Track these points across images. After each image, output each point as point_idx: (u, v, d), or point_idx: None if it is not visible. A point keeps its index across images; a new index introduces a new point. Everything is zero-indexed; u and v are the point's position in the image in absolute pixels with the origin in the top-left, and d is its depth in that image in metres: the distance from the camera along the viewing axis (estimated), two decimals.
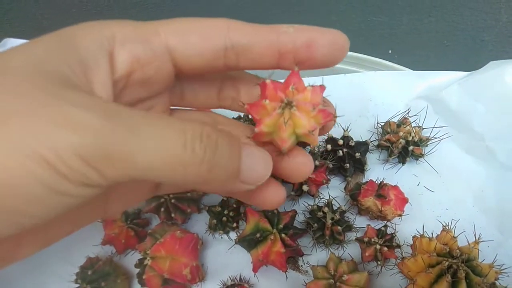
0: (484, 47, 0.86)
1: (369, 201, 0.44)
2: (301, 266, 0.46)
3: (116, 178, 0.20)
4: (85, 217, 0.28)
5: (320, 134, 0.29)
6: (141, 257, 0.44)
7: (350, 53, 0.55)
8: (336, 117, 0.27)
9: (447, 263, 0.38)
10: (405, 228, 0.46)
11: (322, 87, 0.26)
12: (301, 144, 0.28)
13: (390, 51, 0.85)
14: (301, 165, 0.29)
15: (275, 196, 0.30)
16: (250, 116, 0.33)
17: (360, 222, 0.47)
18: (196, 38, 0.25)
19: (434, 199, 0.48)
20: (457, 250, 0.39)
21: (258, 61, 0.26)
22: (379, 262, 0.43)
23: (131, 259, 0.47)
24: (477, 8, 0.81)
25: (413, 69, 0.54)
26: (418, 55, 0.86)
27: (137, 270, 0.45)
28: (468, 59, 0.88)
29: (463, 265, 0.38)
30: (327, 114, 0.26)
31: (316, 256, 0.46)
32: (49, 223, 0.26)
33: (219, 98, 0.31)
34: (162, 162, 0.20)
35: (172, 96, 0.30)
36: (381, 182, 0.45)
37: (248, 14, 0.79)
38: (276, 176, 0.29)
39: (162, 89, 0.27)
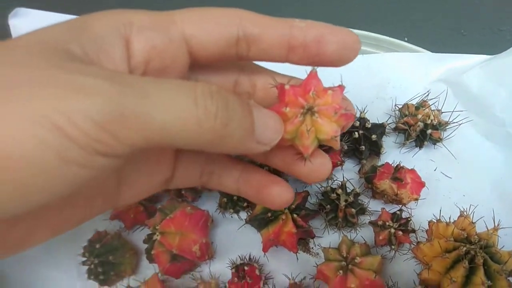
0: (502, 36, 0.83)
1: (385, 184, 0.43)
2: (312, 248, 0.45)
3: (132, 142, 0.19)
4: (97, 205, 0.28)
5: None
6: (150, 232, 0.43)
7: (368, 33, 0.54)
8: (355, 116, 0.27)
9: (464, 248, 0.37)
10: (421, 213, 0.45)
11: (342, 88, 0.26)
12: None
13: (406, 38, 0.84)
14: (320, 166, 0.29)
15: (283, 194, 0.30)
16: None
17: (374, 205, 0.46)
18: (211, 26, 0.25)
19: (451, 185, 0.47)
20: (475, 236, 0.38)
21: (268, 52, 0.26)
22: (393, 247, 0.42)
23: (139, 235, 0.46)
24: None
25: None
26: (433, 43, 0.84)
27: (145, 246, 0.44)
28: (485, 48, 0.86)
29: (481, 251, 0.37)
30: (349, 117, 0.26)
31: (328, 238, 0.45)
32: (61, 206, 0.25)
33: (235, 93, 0.30)
34: (177, 120, 0.20)
35: None
36: (397, 165, 0.44)
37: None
38: (293, 176, 0.29)
39: (178, 79, 0.27)
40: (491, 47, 0.83)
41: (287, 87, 0.25)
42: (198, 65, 0.28)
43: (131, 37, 0.24)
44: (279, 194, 0.30)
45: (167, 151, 0.30)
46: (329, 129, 0.25)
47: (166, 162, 0.30)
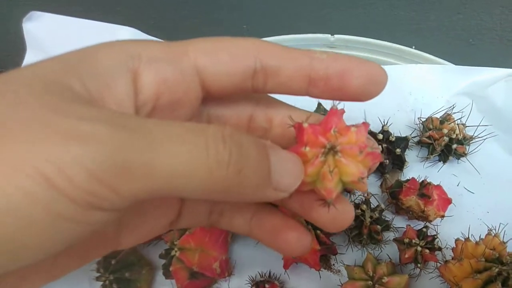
0: (510, 46, 0.83)
1: (411, 200, 0.42)
2: (333, 264, 0.44)
3: (133, 195, 0.17)
4: (95, 250, 0.25)
5: None
6: (167, 247, 0.42)
7: (390, 44, 0.53)
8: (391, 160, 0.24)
9: (497, 269, 0.36)
10: (445, 230, 0.44)
11: (366, 125, 0.23)
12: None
13: (413, 47, 0.83)
14: (343, 213, 0.26)
15: (300, 241, 0.27)
16: None
17: (398, 221, 0.45)
18: (226, 57, 0.23)
19: (474, 201, 0.46)
20: (507, 257, 0.37)
21: (287, 85, 0.24)
22: (419, 265, 0.41)
23: (154, 250, 0.45)
24: (508, 7, 0.78)
25: None
26: (442, 52, 0.84)
27: (161, 261, 0.43)
28: (494, 58, 0.86)
29: None
30: (376, 156, 0.23)
31: (350, 255, 0.44)
32: (53, 258, 0.23)
33: (250, 129, 0.28)
34: (186, 169, 0.17)
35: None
36: (423, 180, 0.43)
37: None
38: (311, 223, 0.27)
39: (189, 114, 0.25)
40: (500, 57, 0.83)
41: (305, 125, 0.23)
42: (211, 98, 0.25)
43: (139, 71, 0.22)
44: (296, 241, 0.27)
45: None
46: (355, 170, 0.22)
47: (172, 204, 0.28)
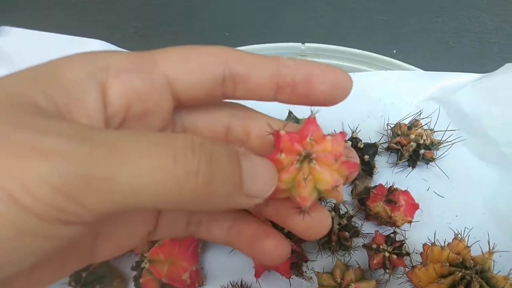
0: (490, 49, 0.84)
1: (379, 206, 0.42)
2: (305, 272, 0.44)
3: (99, 208, 0.17)
4: (70, 264, 0.25)
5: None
6: (138, 259, 0.42)
7: (359, 51, 0.54)
8: (360, 166, 0.24)
9: (460, 273, 0.36)
10: (414, 235, 0.44)
11: (343, 134, 0.24)
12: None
13: (394, 51, 0.84)
14: (319, 221, 0.26)
15: (277, 249, 0.27)
16: None
17: (367, 227, 0.45)
18: (195, 66, 0.23)
19: (444, 205, 0.47)
20: (471, 261, 0.37)
21: (256, 91, 0.24)
22: (387, 270, 0.41)
23: (127, 261, 0.45)
24: (486, 9, 0.80)
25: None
26: (422, 56, 0.85)
27: (133, 273, 0.43)
28: (474, 61, 0.86)
29: (477, 276, 0.36)
30: (352, 165, 0.23)
31: (321, 262, 0.44)
32: (28, 271, 0.22)
33: (227, 141, 0.28)
34: (152, 180, 0.17)
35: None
36: (391, 186, 0.44)
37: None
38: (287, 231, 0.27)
39: (161, 125, 0.25)
40: (480, 59, 0.83)
41: (282, 132, 0.23)
42: (185, 109, 0.25)
43: (108, 82, 0.22)
44: (273, 248, 0.27)
45: None
46: (329, 178, 0.23)
47: (148, 215, 0.28)
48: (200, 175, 0.18)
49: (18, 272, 0.17)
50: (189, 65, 0.23)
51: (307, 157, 0.23)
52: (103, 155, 0.17)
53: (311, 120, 0.24)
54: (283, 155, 0.23)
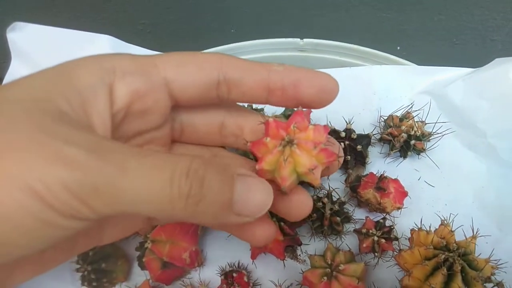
0: (494, 46, 0.85)
1: (369, 193, 0.45)
2: (299, 255, 0.47)
3: (104, 212, 0.21)
4: (79, 245, 0.29)
5: (325, 175, 0.29)
6: (142, 240, 0.45)
7: (356, 46, 0.56)
8: (340, 157, 0.27)
9: (443, 256, 0.38)
10: (404, 222, 0.46)
11: (326, 127, 0.26)
12: (305, 184, 0.28)
13: (398, 48, 0.85)
14: (299, 203, 0.28)
15: (264, 231, 0.29)
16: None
17: (359, 214, 0.47)
18: (192, 69, 0.26)
19: (434, 194, 0.48)
20: (454, 244, 0.39)
21: (249, 94, 0.27)
22: (376, 254, 0.43)
23: (132, 243, 0.48)
24: (489, 7, 0.80)
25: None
26: (426, 53, 0.86)
27: (137, 253, 0.46)
28: (477, 58, 0.87)
29: (459, 258, 0.38)
30: (330, 154, 0.26)
31: (314, 245, 0.46)
32: (42, 253, 0.26)
33: (222, 135, 0.31)
34: (149, 198, 0.21)
35: (173, 131, 0.30)
36: (381, 175, 0.46)
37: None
38: (273, 213, 0.29)
39: (160, 121, 0.28)
40: (483, 56, 0.84)
41: (270, 120, 0.26)
42: (183, 107, 0.28)
43: (114, 84, 0.25)
44: (261, 233, 0.29)
45: None
46: (307, 161, 0.25)
47: None
48: (190, 197, 0.22)
49: (32, 253, 0.21)
50: (186, 69, 0.26)
51: (290, 142, 0.26)
52: (111, 173, 0.20)
53: (299, 112, 0.26)
54: (268, 139, 0.26)
